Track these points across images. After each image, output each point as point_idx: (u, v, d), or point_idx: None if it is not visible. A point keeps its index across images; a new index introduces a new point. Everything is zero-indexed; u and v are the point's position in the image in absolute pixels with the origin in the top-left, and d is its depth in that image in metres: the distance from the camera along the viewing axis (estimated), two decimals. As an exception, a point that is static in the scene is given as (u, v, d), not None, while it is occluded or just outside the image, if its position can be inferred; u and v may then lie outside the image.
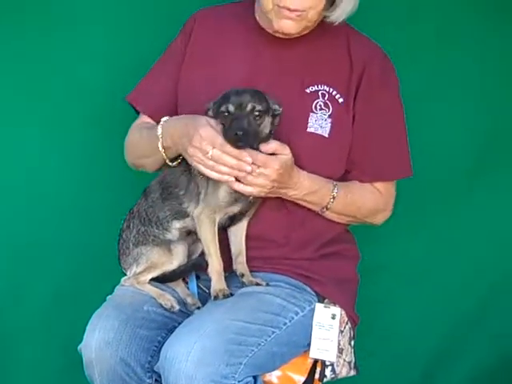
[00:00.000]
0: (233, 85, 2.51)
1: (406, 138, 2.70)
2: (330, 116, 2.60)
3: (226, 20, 2.74)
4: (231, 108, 2.38)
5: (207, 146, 2.38)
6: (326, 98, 2.62)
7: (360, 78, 2.63)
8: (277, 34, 2.64)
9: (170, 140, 2.53)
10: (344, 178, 2.65)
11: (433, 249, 3.23)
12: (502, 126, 3.18)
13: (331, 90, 2.62)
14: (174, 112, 2.67)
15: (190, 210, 2.54)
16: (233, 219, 2.56)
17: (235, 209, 2.52)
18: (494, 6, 3.14)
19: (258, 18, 2.68)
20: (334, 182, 2.59)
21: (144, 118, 2.77)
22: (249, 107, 2.38)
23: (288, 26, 2.55)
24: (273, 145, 2.41)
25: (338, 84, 2.63)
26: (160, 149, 2.55)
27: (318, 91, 2.62)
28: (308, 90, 2.63)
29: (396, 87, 2.69)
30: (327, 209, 2.60)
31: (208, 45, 2.72)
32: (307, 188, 2.53)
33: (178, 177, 2.56)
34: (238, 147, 2.36)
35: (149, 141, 2.60)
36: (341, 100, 2.62)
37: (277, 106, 2.46)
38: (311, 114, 2.60)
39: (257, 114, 2.38)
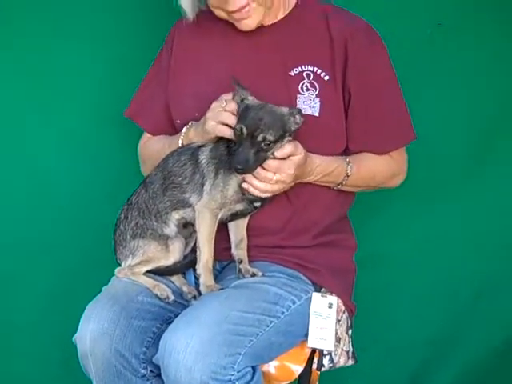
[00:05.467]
0: (218, 83, 2.56)
1: (404, 103, 2.69)
2: (317, 95, 2.60)
3: (204, 23, 2.72)
4: (244, 131, 2.37)
5: (219, 101, 2.46)
6: (311, 78, 2.61)
7: (345, 53, 2.60)
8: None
9: (193, 130, 2.57)
10: (348, 154, 2.64)
11: (430, 238, 3.23)
12: (504, 109, 3.16)
13: (315, 69, 2.61)
14: (172, 126, 2.73)
15: (193, 200, 2.52)
16: (234, 216, 2.55)
17: (239, 207, 2.52)
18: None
19: None
20: (347, 159, 2.60)
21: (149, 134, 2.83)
22: (259, 138, 2.37)
23: (246, 24, 2.59)
24: (287, 150, 2.41)
25: (321, 62, 2.61)
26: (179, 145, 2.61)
27: (302, 72, 2.62)
28: (292, 73, 2.62)
29: (385, 54, 2.67)
30: (342, 185, 2.62)
31: (189, 49, 2.73)
32: (322, 172, 2.55)
33: (183, 165, 2.55)
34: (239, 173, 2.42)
35: (171, 147, 2.64)
36: (326, 78, 2.61)
37: (298, 118, 2.42)
38: (298, 95, 2.60)
39: (267, 143, 2.37)
